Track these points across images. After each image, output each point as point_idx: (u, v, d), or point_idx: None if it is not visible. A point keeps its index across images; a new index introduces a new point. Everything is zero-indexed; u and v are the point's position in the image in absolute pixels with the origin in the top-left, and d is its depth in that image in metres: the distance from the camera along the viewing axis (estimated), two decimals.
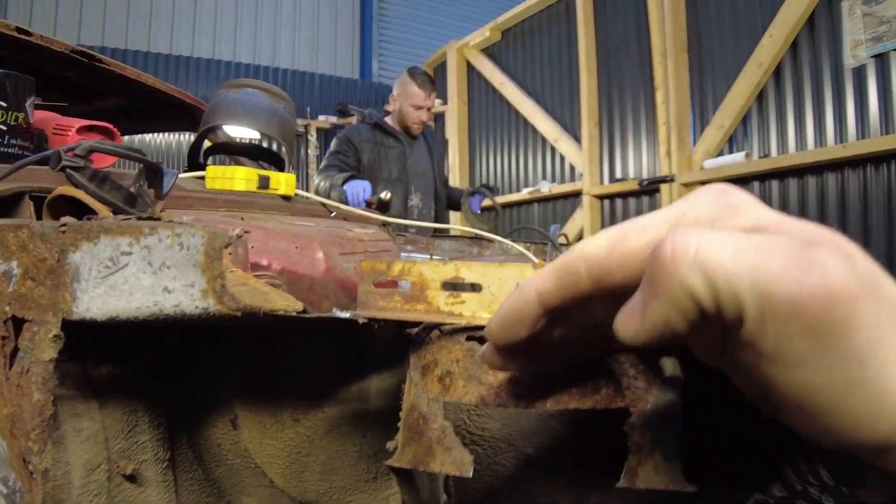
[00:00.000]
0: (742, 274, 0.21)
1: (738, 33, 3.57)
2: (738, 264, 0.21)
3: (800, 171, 3.26)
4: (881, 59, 2.98)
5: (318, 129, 6.91)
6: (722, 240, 0.22)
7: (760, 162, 3.37)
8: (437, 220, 3.11)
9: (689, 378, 0.48)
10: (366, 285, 0.49)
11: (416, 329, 0.48)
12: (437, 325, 0.45)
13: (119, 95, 2.01)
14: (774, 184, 3.39)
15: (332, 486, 0.68)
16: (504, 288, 0.47)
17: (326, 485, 0.68)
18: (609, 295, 0.26)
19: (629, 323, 0.24)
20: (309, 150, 6.81)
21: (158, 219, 0.46)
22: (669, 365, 0.43)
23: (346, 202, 2.49)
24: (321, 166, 2.98)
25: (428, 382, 0.43)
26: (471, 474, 0.38)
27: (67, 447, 0.58)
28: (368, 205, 2.47)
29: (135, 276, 0.44)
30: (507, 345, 0.29)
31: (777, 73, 3.38)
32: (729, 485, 0.62)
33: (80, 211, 0.68)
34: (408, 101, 2.98)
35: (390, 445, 0.51)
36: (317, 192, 2.73)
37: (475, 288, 0.48)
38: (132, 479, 0.64)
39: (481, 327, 0.43)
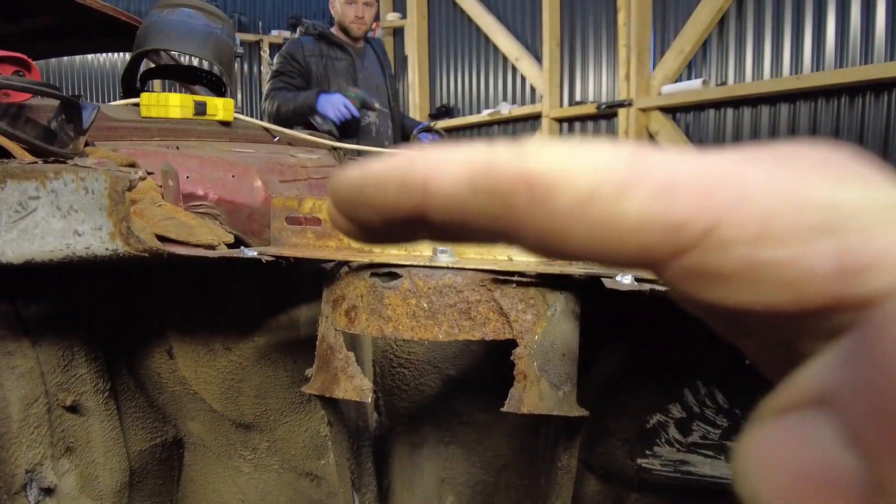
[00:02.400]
0: None
1: None
2: None
3: (754, 101, 3.30)
4: None
5: (272, 45, 6.60)
6: None
7: (717, 90, 3.39)
8: (394, 141, 3.04)
9: (594, 310, 0.51)
10: (278, 222, 0.51)
11: (330, 264, 0.51)
12: (347, 262, 0.48)
13: (49, 14, 1.88)
14: (729, 112, 3.43)
15: (267, 409, 0.73)
16: None
17: (262, 408, 0.72)
18: (540, 239, 0.15)
19: None
20: (262, 67, 6.53)
21: (64, 161, 0.46)
22: (562, 299, 0.47)
23: (331, 124, 2.42)
24: (267, 90, 2.81)
25: (336, 316, 0.46)
26: (369, 399, 0.42)
27: (3, 384, 0.60)
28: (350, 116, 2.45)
29: (45, 220, 0.45)
30: (350, 215, 0.18)
31: None
32: (634, 406, 0.68)
33: None
34: (341, 0, 2.80)
35: (308, 373, 0.54)
36: (276, 117, 2.59)
37: None
38: (73, 409, 0.67)
39: (385, 264, 0.45)
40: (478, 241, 0.16)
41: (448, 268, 0.43)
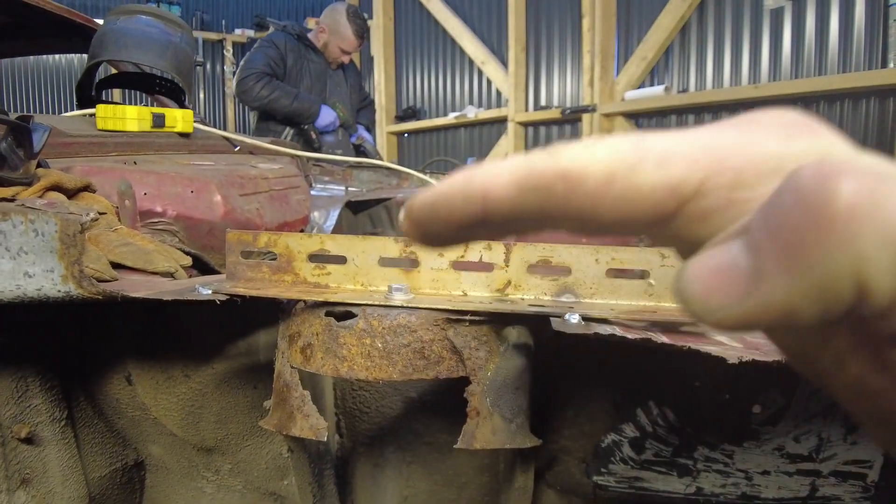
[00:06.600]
0: None
1: None
2: None
3: (715, 108, 3.40)
4: (798, 4, 3.08)
5: (235, 44, 6.50)
6: None
7: (679, 96, 3.48)
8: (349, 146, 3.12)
9: (545, 340, 0.53)
10: (233, 256, 0.51)
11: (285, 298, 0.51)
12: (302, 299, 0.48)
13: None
14: (691, 118, 3.52)
15: (228, 433, 0.72)
16: (368, 260, 0.50)
17: (223, 432, 0.72)
18: (578, 220, 0.20)
19: (720, 293, 0.16)
20: (225, 66, 6.43)
21: (12, 199, 0.46)
22: (515, 334, 0.48)
23: (317, 133, 2.78)
24: (257, 71, 2.82)
25: (292, 353, 0.47)
26: (325, 438, 0.43)
27: None
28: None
29: None
30: (423, 228, 0.22)
31: (701, 7, 3.44)
32: (590, 427, 0.70)
33: None
34: (337, 42, 2.93)
35: (266, 405, 0.55)
36: (267, 104, 2.79)
37: (340, 260, 0.51)
38: (29, 441, 0.66)
39: (340, 303, 0.46)
40: (527, 231, 0.21)
41: (402, 307, 0.44)
